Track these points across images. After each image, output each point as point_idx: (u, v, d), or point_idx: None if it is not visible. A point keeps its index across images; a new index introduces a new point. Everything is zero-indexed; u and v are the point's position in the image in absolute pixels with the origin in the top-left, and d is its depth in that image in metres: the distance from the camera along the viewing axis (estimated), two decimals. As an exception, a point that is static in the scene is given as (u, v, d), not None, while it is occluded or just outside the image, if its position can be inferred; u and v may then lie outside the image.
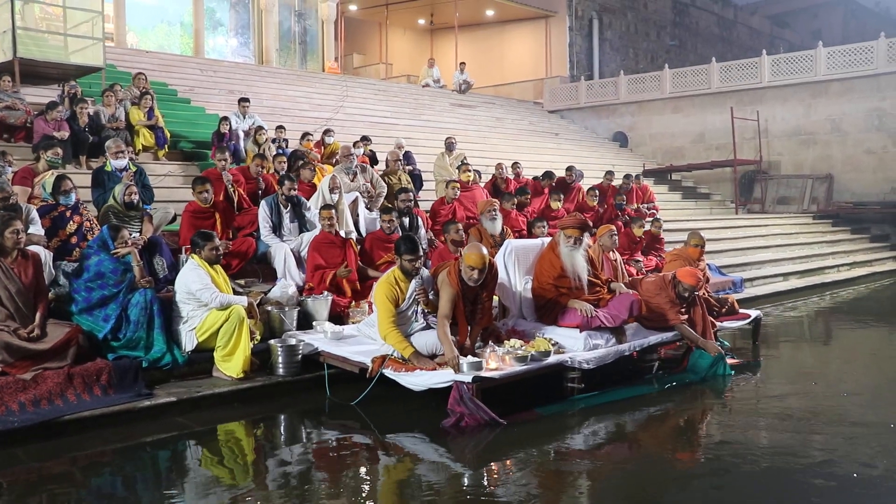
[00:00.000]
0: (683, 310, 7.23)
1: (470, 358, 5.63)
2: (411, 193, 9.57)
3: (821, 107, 20.53)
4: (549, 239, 7.36)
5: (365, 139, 12.75)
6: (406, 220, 9.14)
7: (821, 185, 20.46)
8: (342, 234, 8.36)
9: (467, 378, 5.40)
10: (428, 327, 6.22)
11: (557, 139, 22.72)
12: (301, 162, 10.39)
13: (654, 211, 13.86)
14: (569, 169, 12.82)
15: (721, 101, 22.10)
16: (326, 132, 12.59)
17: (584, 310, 6.58)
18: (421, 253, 6.14)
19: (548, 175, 12.39)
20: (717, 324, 7.79)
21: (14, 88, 11.49)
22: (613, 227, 8.39)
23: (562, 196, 11.61)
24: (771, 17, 46.23)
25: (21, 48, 12.45)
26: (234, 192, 8.62)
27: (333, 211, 8.17)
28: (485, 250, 6.14)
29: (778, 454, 5.04)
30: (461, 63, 25.22)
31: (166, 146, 11.78)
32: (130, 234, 6.77)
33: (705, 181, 22.37)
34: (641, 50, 31.73)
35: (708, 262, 10.23)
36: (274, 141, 12.11)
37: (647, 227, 11.94)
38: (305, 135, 12.46)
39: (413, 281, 6.14)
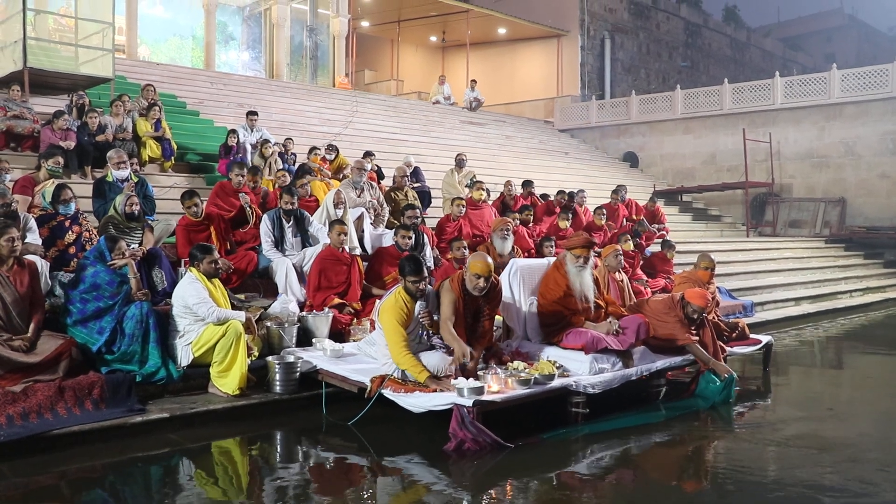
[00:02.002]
0: (693, 329, 7.05)
1: (471, 381, 5.46)
2: (418, 210, 9.45)
3: (834, 129, 20.36)
4: (554, 259, 7.21)
5: (369, 154, 12.62)
6: (412, 237, 9.01)
7: (833, 208, 20.26)
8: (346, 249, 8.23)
9: (468, 402, 5.23)
10: (431, 348, 6.08)
11: (567, 158, 22.63)
12: (307, 176, 10.29)
13: (664, 232, 13.71)
14: (559, 193, 12.66)
15: (733, 122, 21.97)
16: (328, 148, 12.47)
17: (607, 329, 6.47)
18: (425, 274, 5.98)
19: (566, 196, 12.29)
20: (727, 349, 7.60)
21: (23, 98, 11.50)
22: (618, 248, 8.23)
23: (570, 216, 11.48)
24: (784, 40, 46.26)
25: (31, 58, 12.46)
26: (251, 212, 8.48)
27: (346, 227, 8.05)
28: (489, 259, 6.06)
29: (787, 483, 4.87)
30: (472, 80, 25.20)
31: (173, 158, 11.73)
32: (129, 246, 6.66)
33: (716, 203, 22.21)
34: (653, 70, 31.68)
35: (718, 286, 10.06)
36: (282, 154, 12.01)
37: (655, 248, 11.83)
38: (313, 149, 12.36)
39: (418, 303, 6.00)
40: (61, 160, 8.09)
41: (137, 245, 7.09)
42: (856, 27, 54.03)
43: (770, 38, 44.40)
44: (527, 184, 12.74)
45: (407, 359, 5.70)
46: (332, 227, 7.92)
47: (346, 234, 7.90)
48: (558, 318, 6.63)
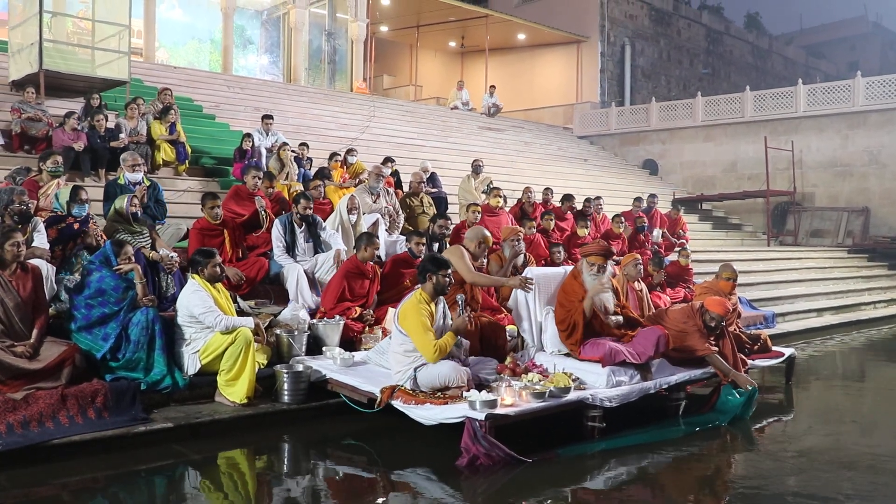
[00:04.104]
0: (713, 340, 6.83)
1: (484, 393, 5.29)
2: (449, 221, 9.31)
3: (858, 138, 20.03)
4: (571, 267, 7.02)
5: (389, 160, 12.49)
6: (436, 246, 8.89)
7: (857, 218, 19.91)
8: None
9: (480, 415, 5.06)
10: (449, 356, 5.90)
11: (586, 165, 22.42)
12: (321, 179, 10.17)
13: (684, 241, 13.48)
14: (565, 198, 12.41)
15: (754, 130, 21.68)
16: (349, 152, 12.38)
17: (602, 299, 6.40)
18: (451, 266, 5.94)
19: (567, 198, 12.09)
20: (749, 362, 7.38)
21: (38, 100, 11.45)
22: (638, 256, 8.05)
23: (588, 223, 11.29)
24: (806, 48, 45.81)
25: (47, 60, 12.43)
26: (265, 217, 8.35)
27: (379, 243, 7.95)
28: (486, 232, 7.35)
29: (807, 499, 4.73)
30: (491, 86, 25.05)
31: (187, 161, 11.63)
32: (136, 248, 6.53)
33: (737, 211, 21.92)
34: (674, 77, 31.42)
35: (739, 296, 9.83)
36: (298, 159, 11.89)
37: (675, 257, 11.63)
38: (333, 155, 12.25)
39: (441, 303, 5.86)
40: (59, 159, 7.98)
41: (150, 249, 6.96)
42: (880, 35, 53.43)
43: (792, 45, 44.00)
44: (545, 190, 12.58)
45: (438, 348, 5.57)
46: (368, 243, 7.58)
47: (377, 250, 7.77)
48: (574, 326, 6.42)
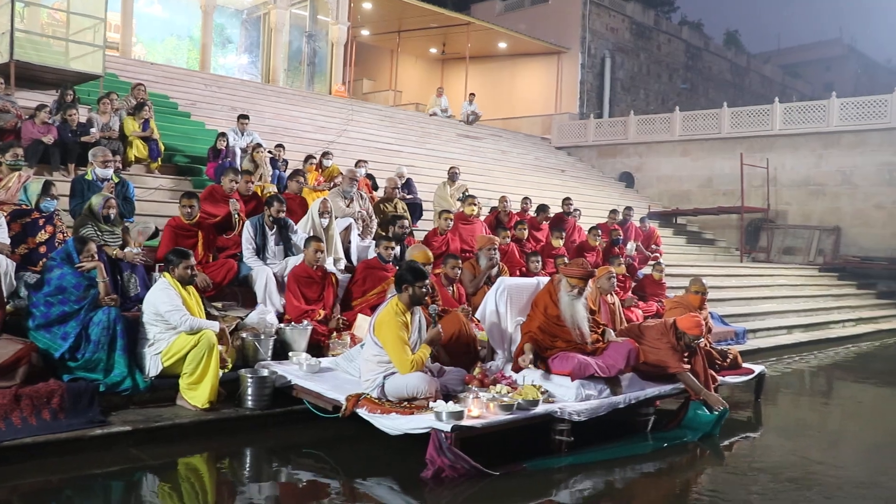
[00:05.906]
0: (686, 358, 6.79)
1: (450, 404, 5.20)
2: (406, 221, 9.20)
3: (832, 158, 20.25)
4: (545, 278, 6.95)
5: (362, 162, 12.37)
6: (398, 249, 8.75)
7: (828, 237, 20.12)
8: (330, 260, 7.96)
9: (446, 426, 4.96)
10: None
11: (563, 176, 22.44)
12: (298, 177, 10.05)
13: (658, 255, 13.48)
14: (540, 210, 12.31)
15: (731, 146, 21.84)
16: (324, 155, 12.25)
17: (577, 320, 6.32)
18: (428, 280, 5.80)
19: (542, 208, 12.02)
20: (719, 378, 7.35)
21: (7, 91, 11.21)
22: (612, 269, 8.03)
23: (563, 234, 11.25)
24: (784, 67, 46.40)
25: (19, 51, 12.19)
26: (237, 220, 8.17)
27: (324, 244, 7.72)
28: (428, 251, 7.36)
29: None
30: (470, 94, 25.04)
31: (159, 159, 11.44)
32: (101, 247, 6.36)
33: (711, 227, 22.06)
34: (652, 91, 31.62)
35: (710, 311, 9.84)
36: (273, 160, 11.75)
37: (649, 270, 11.63)
38: (309, 157, 12.11)
39: (417, 313, 5.77)
40: (19, 152, 7.78)
41: (120, 248, 6.79)
42: (854, 58, 54.30)
43: (770, 64, 44.52)
44: (524, 200, 12.55)
45: (413, 363, 5.49)
46: (309, 244, 7.47)
47: (322, 252, 7.49)
48: (539, 344, 6.34)
